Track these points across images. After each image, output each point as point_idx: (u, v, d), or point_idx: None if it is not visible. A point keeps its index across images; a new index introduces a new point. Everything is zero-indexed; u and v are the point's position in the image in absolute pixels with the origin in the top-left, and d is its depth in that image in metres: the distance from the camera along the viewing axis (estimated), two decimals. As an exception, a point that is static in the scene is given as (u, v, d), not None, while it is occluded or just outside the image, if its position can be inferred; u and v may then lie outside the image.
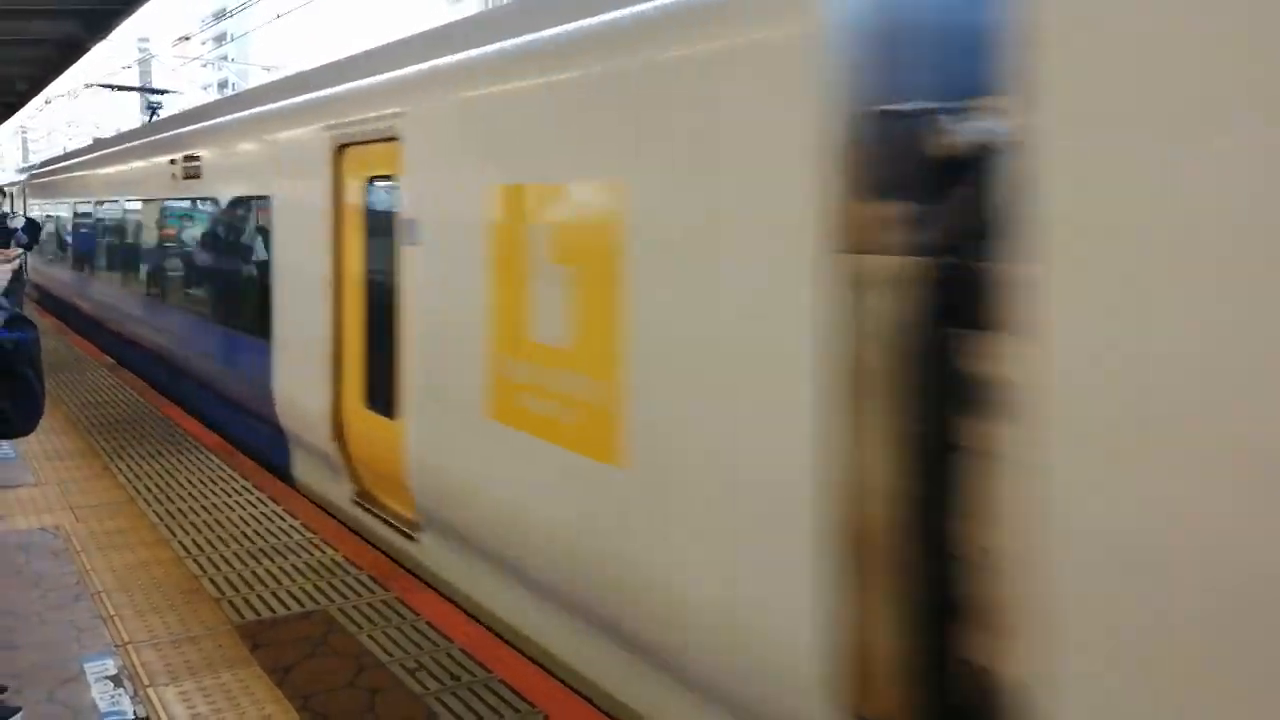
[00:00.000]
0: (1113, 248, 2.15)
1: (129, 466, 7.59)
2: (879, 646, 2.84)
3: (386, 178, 5.76)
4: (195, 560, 5.59)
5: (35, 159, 40.64)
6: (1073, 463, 2.25)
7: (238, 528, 6.16)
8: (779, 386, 3.10)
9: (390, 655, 4.44)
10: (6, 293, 4.30)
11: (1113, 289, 2.16)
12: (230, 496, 6.83)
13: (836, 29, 2.93)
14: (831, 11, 2.94)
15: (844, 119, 2.88)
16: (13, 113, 26.47)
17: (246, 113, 8.62)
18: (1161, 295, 2.08)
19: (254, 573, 5.42)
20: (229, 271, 8.96)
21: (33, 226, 12.63)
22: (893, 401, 2.81)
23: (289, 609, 4.95)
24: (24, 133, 58.93)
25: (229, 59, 65.42)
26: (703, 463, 3.38)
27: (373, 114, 5.78)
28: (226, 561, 5.58)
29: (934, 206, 2.79)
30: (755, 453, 3.18)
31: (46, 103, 33.65)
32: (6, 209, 12.64)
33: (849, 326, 2.87)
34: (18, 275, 10.05)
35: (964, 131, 2.74)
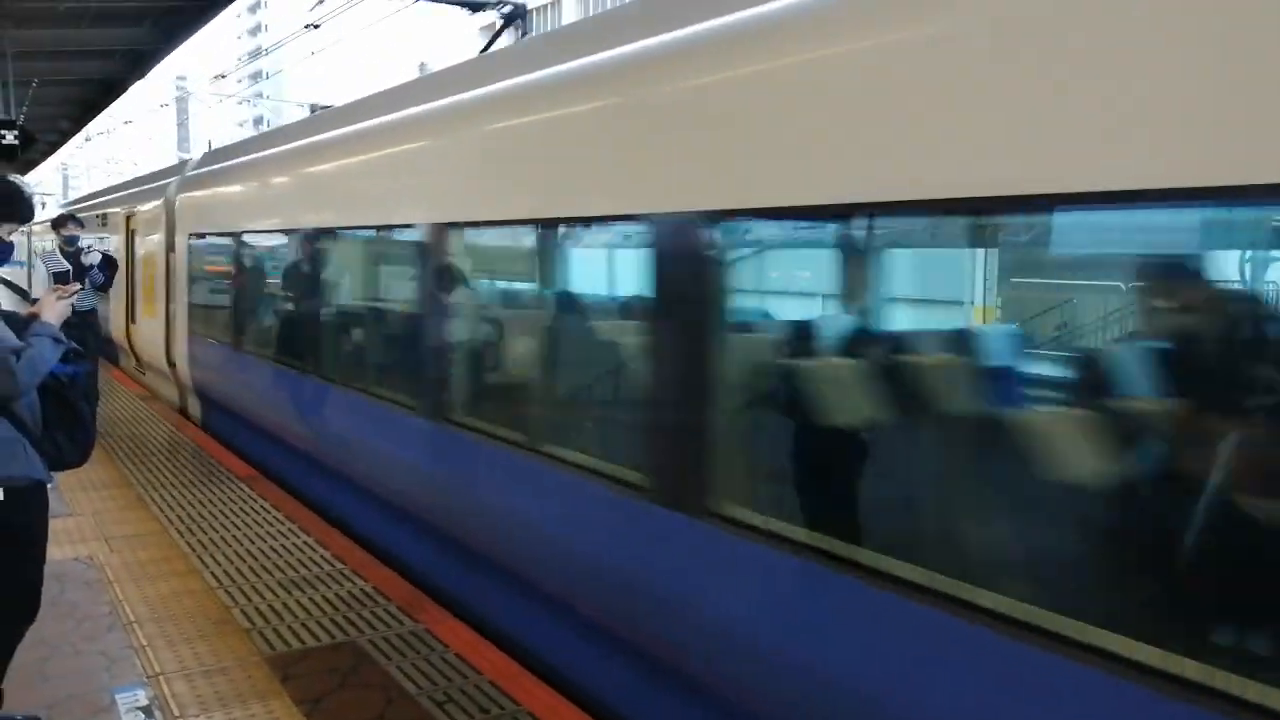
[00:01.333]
0: None
1: (162, 497, 7.67)
2: None
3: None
4: (226, 591, 5.62)
5: (74, 194, 41.42)
6: None
7: (269, 558, 6.19)
8: None
9: (419, 687, 4.43)
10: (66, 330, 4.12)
11: None
12: (261, 527, 6.87)
13: None
14: None
15: None
16: (54, 150, 27.07)
17: None
18: None
19: (284, 604, 5.44)
20: None
21: (110, 263, 9.50)
22: None
23: (319, 640, 4.95)
24: (64, 169, 60.21)
25: (264, 96, 66.63)
26: None
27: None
28: (257, 592, 5.61)
29: None
30: None
31: (86, 140, 34.38)
32: (83, 241, 10.38)
33: None
34: (84, 320, 8.12)
35: None
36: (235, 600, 5.49)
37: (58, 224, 9.83)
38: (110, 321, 14.60)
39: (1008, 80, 2.53)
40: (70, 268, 8.71)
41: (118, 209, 15.49)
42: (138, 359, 14.48)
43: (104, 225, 16.32)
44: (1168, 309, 2.60)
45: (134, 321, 14.08)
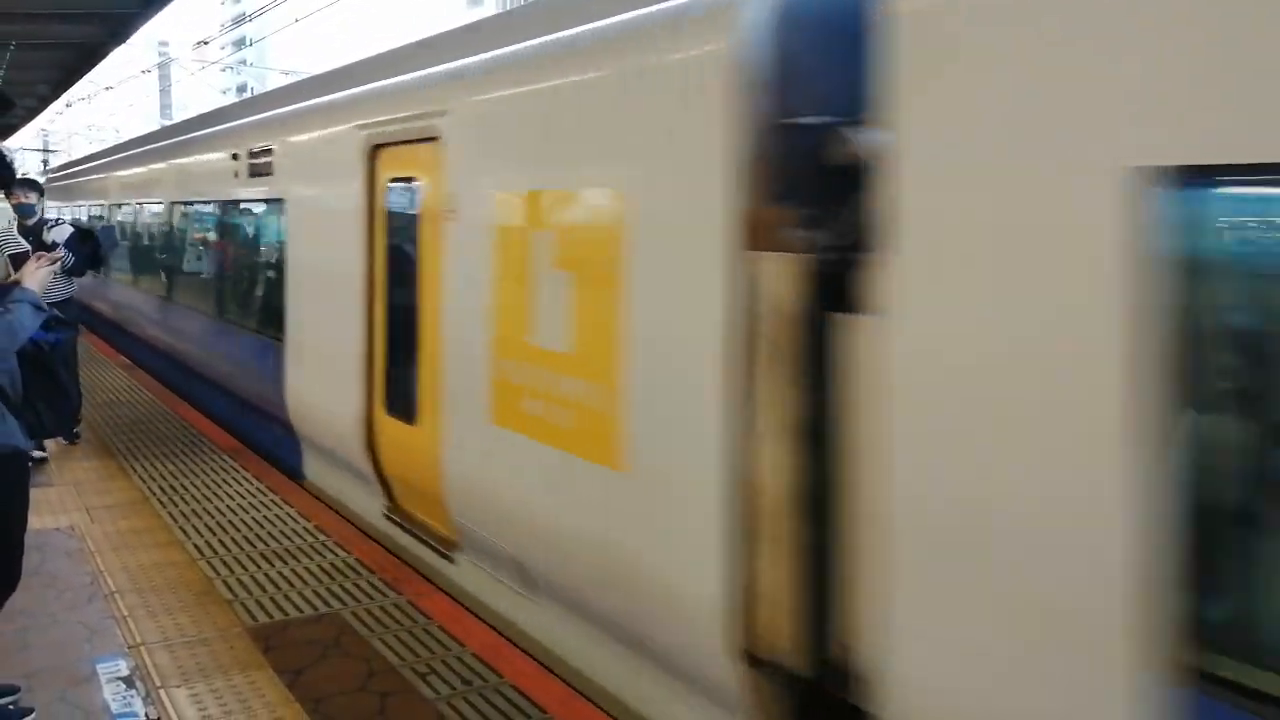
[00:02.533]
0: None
1: (144, 467, 7.62)
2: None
3: None
4: (209, 562, 5.60)
5: (56, 162, 40.89)
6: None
7: (251, 529, 6.16)
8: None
9: (402, 659, 4.43)
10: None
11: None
12: (244, 498, 6.84)
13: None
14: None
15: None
16: (34, 116, 26.70)
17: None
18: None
19: (267, 575, 5.42)
20: None
21: (86, 238, 7.44)
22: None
23: (301, 612, 4.94)
24: (45, 136, 59.43)
25: (248, 63, 65.84)
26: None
27: None
28: (240, 563, 5.59)
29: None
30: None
31: (67, 106, 33.90)
32: (51, 214, 9.05)
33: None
34: (59, 316, 5.36)
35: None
36: (217, 571, 5.46)
37: (4, 189, 7.20)
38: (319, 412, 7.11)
39: None
40: (29, 248, 6.62)
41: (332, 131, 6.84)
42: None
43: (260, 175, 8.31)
44: None
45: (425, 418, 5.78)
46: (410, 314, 5.54)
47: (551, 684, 4.24)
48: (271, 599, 5.09)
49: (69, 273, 7.25)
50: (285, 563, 5.61)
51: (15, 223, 7.64)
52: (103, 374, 11.99)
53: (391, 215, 5.95)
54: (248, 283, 9.31)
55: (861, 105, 2.99)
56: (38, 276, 3.90)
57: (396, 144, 5.76)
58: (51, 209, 23.17)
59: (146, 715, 3.93)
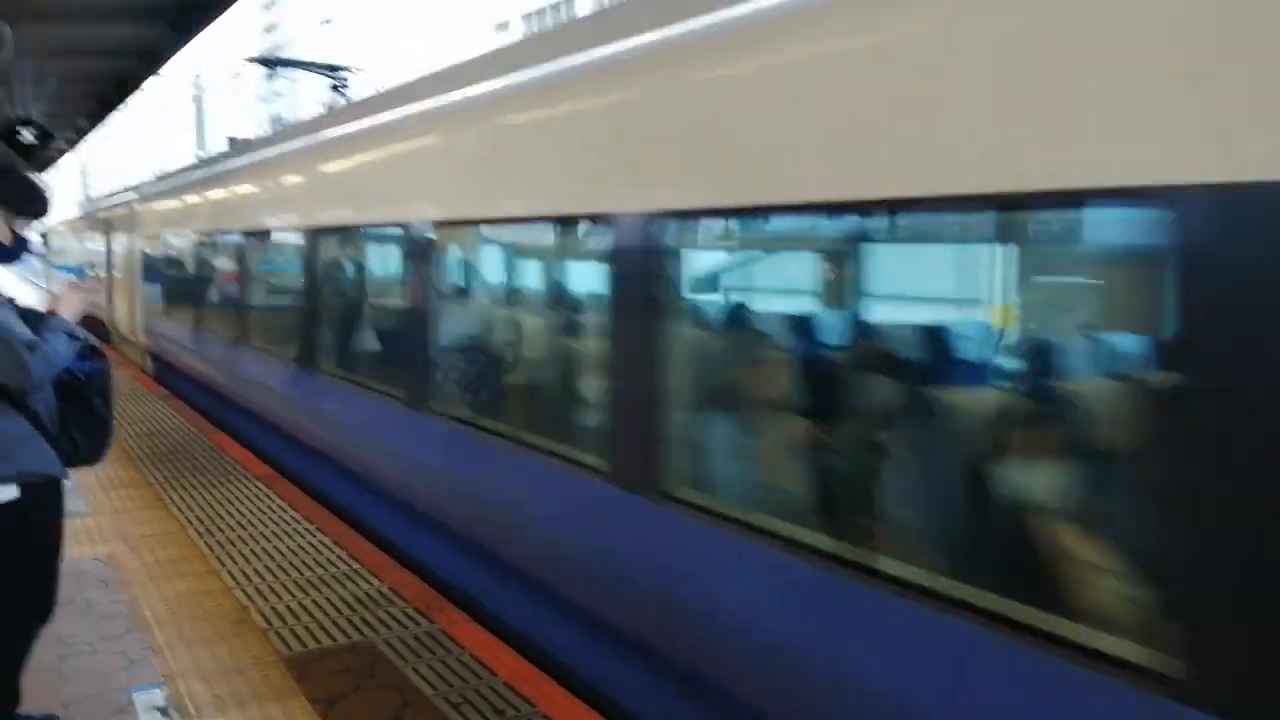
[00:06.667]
0: None
1: (181, 497, 7.67)
2: None
3: None
4: (244, 591, 5.62)
5: (94, 193, 41.63)
6: None
7: (286, 558, 6.18)
8: None
9: (435, 689, 4.40)
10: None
11: None
12: (279, 526, 6.87)
13: None
14: None
15: None
16: (72, 147, 27.22)
17: None
18: None
19: (301, 604, 5.42)
20: None
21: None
22: None
23: (335, 641, 4.94)
24: (84, 168, 60.61)
25: (279, 94, 66.83)
26: None
27: None
28: (274, 592, 5.60)
29: None
30: None
31: (105, 138, 34.53)
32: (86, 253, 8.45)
33: None
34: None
35: None
36: (252, 600, 5.48)
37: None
38: None
39: None
40: None
41: None
42: None
43: None
44: None
45: None
46: None
47: (582, 713, 4.20)
48: (305, 627, 5.09)
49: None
50: (319, 591, 5.61)
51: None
52: (140, 405, 12.13)
53: None
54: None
55: None
56: (73, 305, 3.94)
57: None
58: (92, 244, 21.56)
59: (182, 746, 3.93)
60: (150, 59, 14.31)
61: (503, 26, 57.49)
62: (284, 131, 10.58)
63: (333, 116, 8.81)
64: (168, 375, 14.27)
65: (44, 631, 3.89)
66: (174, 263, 13.82)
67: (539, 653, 4.88)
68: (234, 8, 11.86)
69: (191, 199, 12.80)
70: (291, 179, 9.09)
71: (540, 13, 55.41)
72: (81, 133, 23.35)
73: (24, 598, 3.76)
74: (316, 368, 8.12)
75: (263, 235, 9.83)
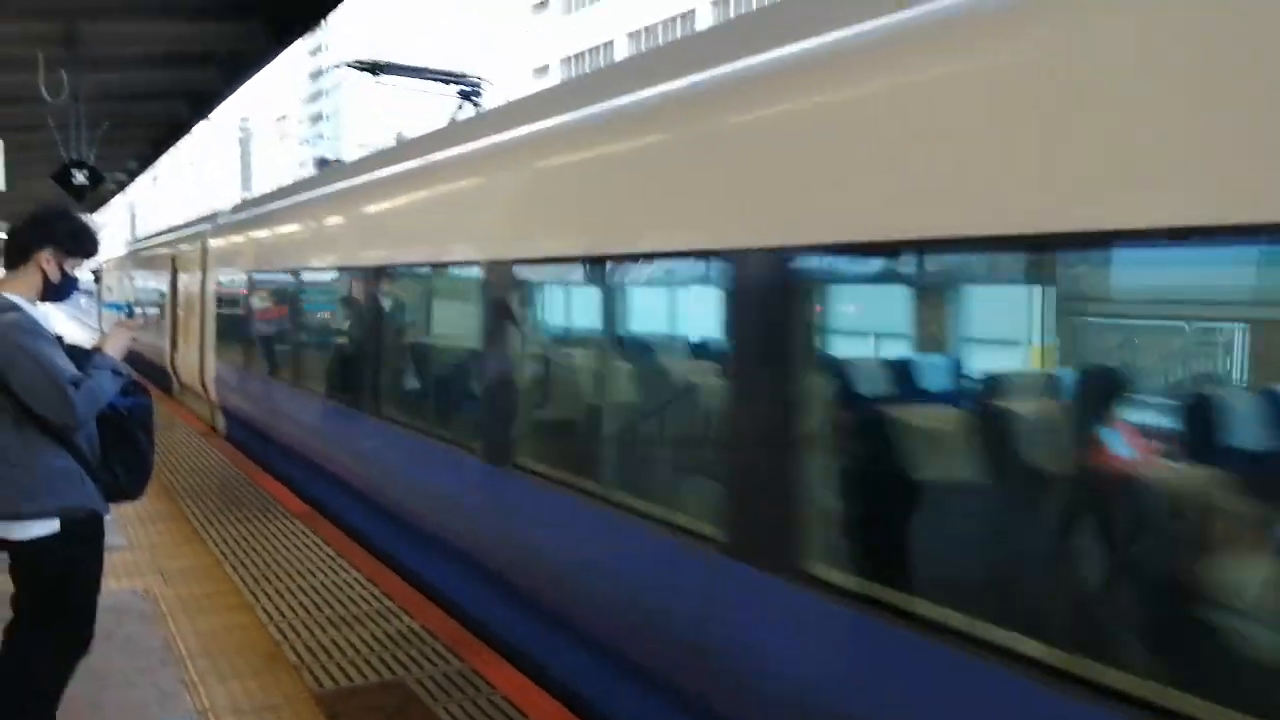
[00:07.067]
0: None
1: (217, 531, 7.74)
2: None
3: None
4: (277, 626, 5.64)
5: (141, 233, 42.52)
6: None
7: (320, 594, 6.20)
8: None
9: (466, 728, 4.38)
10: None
11: None
12: (313, 562, 6.90)
13: None
14: None
15: None
16: (122, 189, 27.88)
17: None
18: None
19: (333, 640, 5.43)
20: None
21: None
22: None
23: (367, 678, 4.93)
24: (132, 208, 62.05)
25: (323, 136, 68.18)
26: None
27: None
28: (307, 628, 5.61)
29: None
30: None
31: (154, 179, 35.33)
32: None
33: None
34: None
35: None
36: (285, 636, 5.49)
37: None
38: None
39: None
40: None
41: None
42: None
43: None
44: None
45: None
46: None
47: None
48: (338, 664, 5.10)
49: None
50: (351, 628, 5.62)
51: None
52: (178, 437, 12.28)
53: None
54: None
55: None
56: (118, 342, 4.02)
57: None
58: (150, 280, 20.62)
59: (213, 781, 3.93)
60: (201, 103, 14.66)
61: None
62: (408, 146, 7.83)
63: (484, 122, 6.55)
64: (243, 434, 11.95)
65: (81, 664, 3.93)
66: (270, 302, 11.01)
67: None
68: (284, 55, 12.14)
69: (289, 228, 10.19)
70: (441, 197, 6.49)
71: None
72: (132, 174, 23.91)
73: (62, 630, 3.81)
74: (509, 462, 5.26)
75: (395, 271, 7.28)
